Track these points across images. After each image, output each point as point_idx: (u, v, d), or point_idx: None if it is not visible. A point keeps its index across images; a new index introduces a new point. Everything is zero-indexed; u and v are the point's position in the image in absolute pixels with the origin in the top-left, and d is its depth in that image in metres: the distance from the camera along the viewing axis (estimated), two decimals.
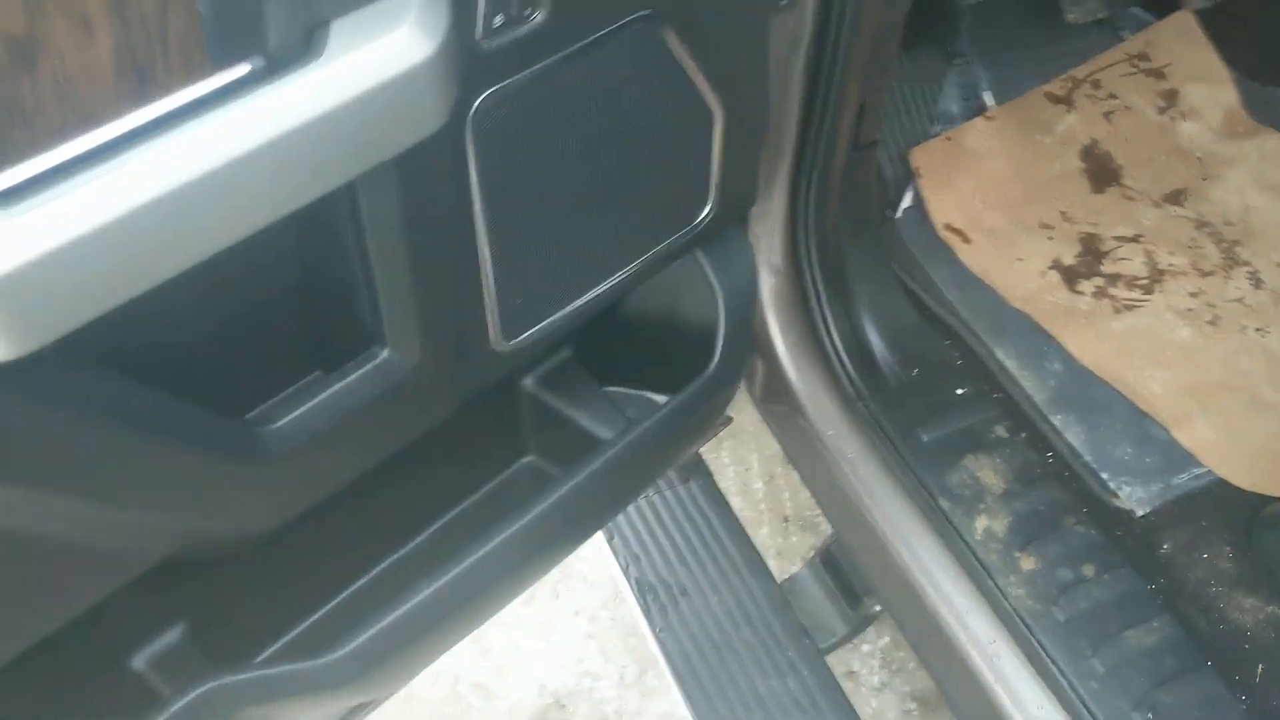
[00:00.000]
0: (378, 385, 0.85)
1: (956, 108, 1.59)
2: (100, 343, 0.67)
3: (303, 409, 0.81)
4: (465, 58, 0.76)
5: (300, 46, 0.67)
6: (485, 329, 0.92)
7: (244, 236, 0.67)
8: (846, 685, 1.94)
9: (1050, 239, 1.51)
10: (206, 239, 0.65)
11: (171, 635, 0.96)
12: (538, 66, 0.81)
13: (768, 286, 1.39)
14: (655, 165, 0.98)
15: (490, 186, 0.84)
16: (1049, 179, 1.56)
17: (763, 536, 2.13)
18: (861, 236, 1.43)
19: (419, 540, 1.14)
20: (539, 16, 0.79)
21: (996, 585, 1.22)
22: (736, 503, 2.16)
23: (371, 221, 0.76)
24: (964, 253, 1.48)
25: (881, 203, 1.53)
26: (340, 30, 0.67)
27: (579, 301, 0.99)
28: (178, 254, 0.64)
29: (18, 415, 0.62)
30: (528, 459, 1.22)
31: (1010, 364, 1.39)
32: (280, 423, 0.80)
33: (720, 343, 1.14)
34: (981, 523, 1.26)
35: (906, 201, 1.52)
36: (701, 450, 2.19)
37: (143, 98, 0.68)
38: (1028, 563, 1.23)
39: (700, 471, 1.79)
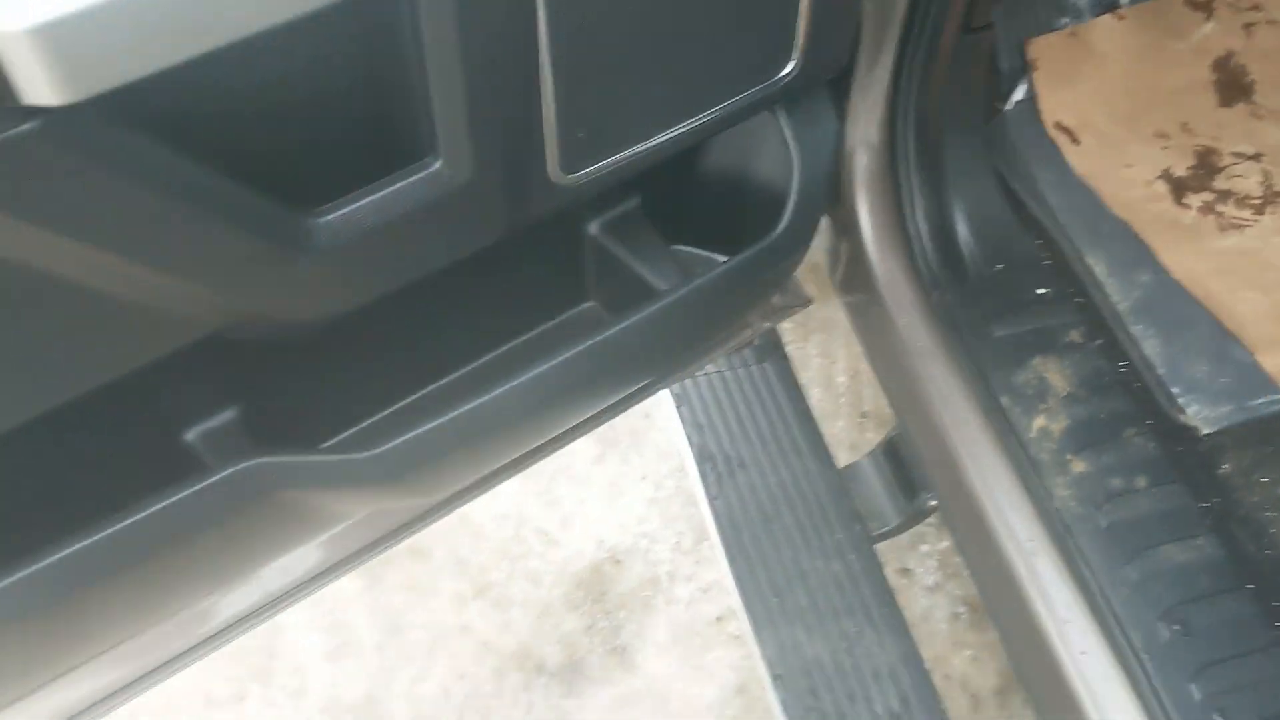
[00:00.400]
0: (428, 194, 0.87)
1: (1085, 1, 1.51)
2: (155, 115, 0.71)
3: (352, 206, 0.84)
4: None
5: None
6: (544, 158, 0.94)
7: (298, 14, 0.69)
8: (900, 582, 1.96)
9: (1164, 149, 1.44)
10: (262, 7, 0.67)
11: (224, 416, 1.02)
12: None
13: (861, 165, 1.37)
14: (735, 13, 0.97)
15: (558, 13, 0.85)
16: (1174, 88, 1.48)
17: (837, 429, 2.13)
18: (963, 124, 1.39)
19: (474, 366, 1.18)
20: None
21: (1043, 484, 1.21)
22: (816, 393, 2.17)
23: (430, 25, 0.77)
24: (1071, 154, 1.43)
25: (992, 94, 1.48)
26: None
27: (644, 145, 0.99)
28: (235, 18, 0.66)
29: (66, 163, 0.66)
30: (589, 305, 1.24)
31: (1099, 269, 1.35)
32: (328, 216, 0.84)
33: (790, 207, 1.13)
34: (1039, 422, 1.24)
35: (1019, 95, 1.47)
36: (787, 339, 2.18)
37: None
38: (1079, 466, 1.21)
39: (776, 355, 1.79)
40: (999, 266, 1.36)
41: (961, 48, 1.32)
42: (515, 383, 1.03)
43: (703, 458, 1.71)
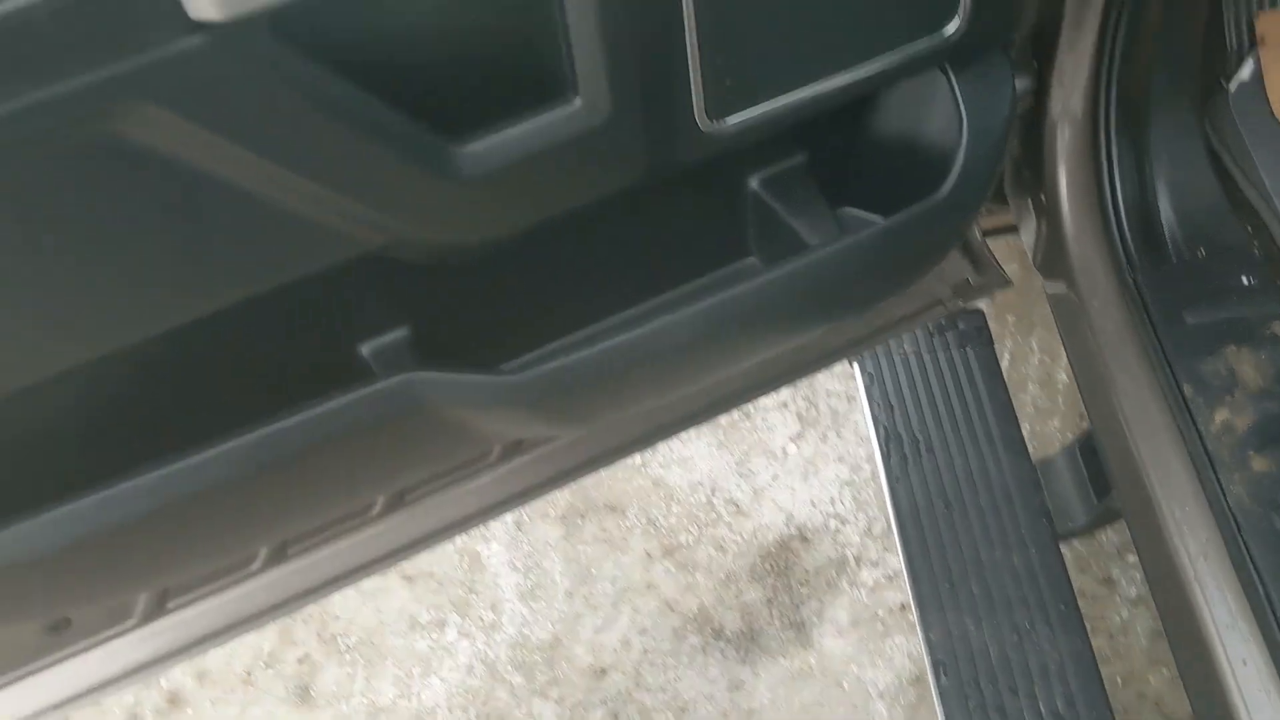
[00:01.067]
0: (567, 131, 0.92)
1: None
2: (312, 38, 0.79)
3: (495, 137, 0.91)
4: None
5: None
6: (689, 103, 0.97)
7: None
8: (1100, 591, 1.87)
9: None
10: None
11: (396, 334, 1.11)
12: None
13: (1063, 138, 1.33)
14: None
15: None
16: None
17: (1051, 428, 2.05)
18: (1175, 99, 1.32)
19: (636, 310, 1.23)
20: None
21: (1219, 481, 1.13)
22: (1033, 390, 2.09)
23: None
24: None
25: (1216, 70, 1.39)
26: None
27: (795, 96, 1.01)
28: None
29: (230, 75, 0.76)
30: (750, 259, 1.26)
31: None
32: (473, 145, 0.91)
33: (956, 169, 1.11)
34: (1221, 415, 1.17)
35: (1245, 74, 1.37)
36: (1006, 331, 2.12)
37: None
38: (1260, 464, 1.13)
39: (980, 340, 1.74)
40: (1201, 251, 1.28)
41: (1173, 16, 1.25)
42: (660, 322, 1.07)
43: (888, 437, 1.69)
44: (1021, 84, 1.30)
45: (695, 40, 0.93)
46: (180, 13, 0.72)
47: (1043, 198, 1.39)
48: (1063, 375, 2.10)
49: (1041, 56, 1.30)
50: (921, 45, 1.04)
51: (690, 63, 0.95)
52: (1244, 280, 1.26)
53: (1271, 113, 1.35)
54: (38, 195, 0.79)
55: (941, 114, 1.14)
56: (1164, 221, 1.31)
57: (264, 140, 0.82)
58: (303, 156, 0.84)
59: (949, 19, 1.04)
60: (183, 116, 0.77)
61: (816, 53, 1.00)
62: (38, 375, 0.91)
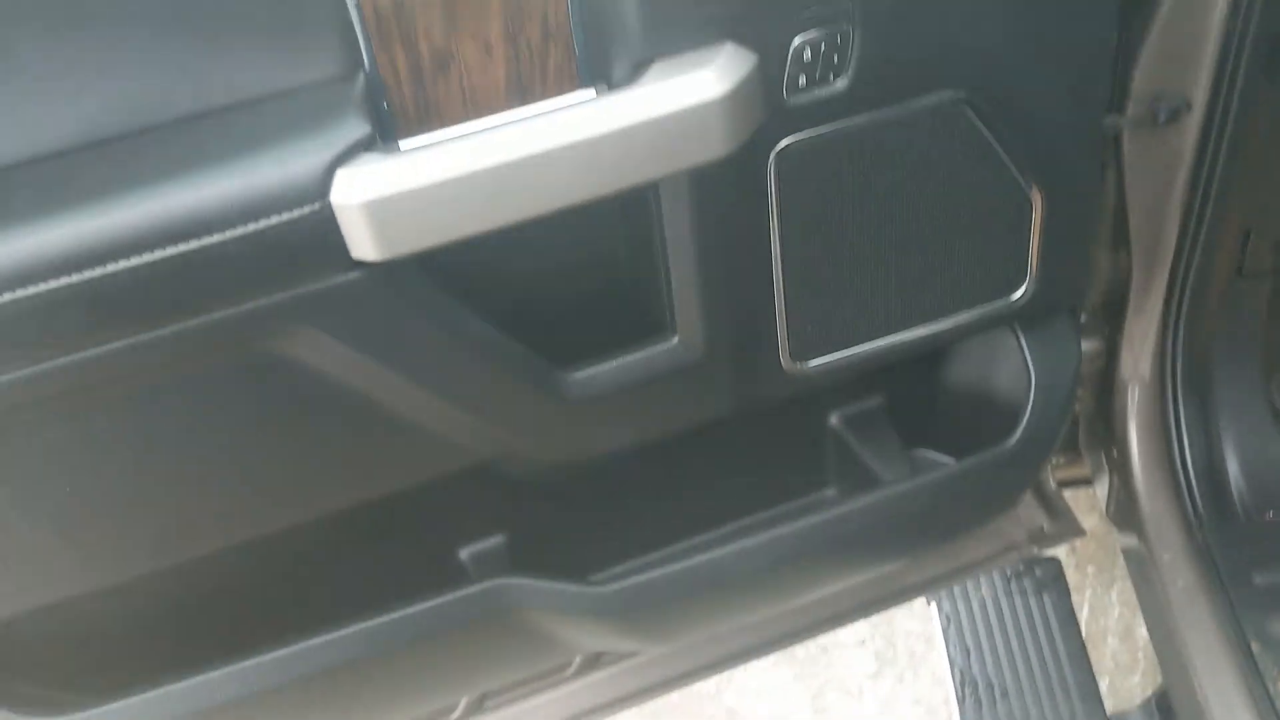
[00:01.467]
0: (664, 366, 1.03)
1: None
2: (451, 275, 0.93)
3: (598, 368, 1.02)
4: (771, 107, 0.93)
5: (630, 76, 0.89)
6: (775, 346, 1.08)
7: (570, 204, 0.89)
8: None
9: None
10: (541, 199, 0.88)
11: (493, 541, 1.21)
12: (838, 124, 0.97)
13: (1133, 399, 1.40)
14: (962, 235, 1.08)
15: (789, 217, 1.01)
16: None
17: (1131, 685, 2.03)
18: (1241, 367, 1.39)
19: (717, 533, 1.31)
20: (841, 83, 0.94)
21: None
22: (1113, 643, 2.08)
23: (670, 222, 0.96)
24: None
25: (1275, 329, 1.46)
26: (660, 68, 0.88)
27: (872, 344, 1.11)
28: (520, 205, 0.87)
29: (380, 305, 0.89)
30: (829, 492, 1.34)
31: None
32: (579, 373, 1.02)
33: (1023, 424, 1.20)
34: None
35: None
36: (1085, 582, 2.13)
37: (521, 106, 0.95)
38: None
39: (1057, 588, 1.77)
40: (1270, 513, 1.32)
41: (1236, 291, 1.34)
42: (740, 545, 1.15)
43: (964, 681, 1.70)
44: (1091, 345, 1.39)
45: (783, 291, 1.05)
46: (344, 253, 0.85)
47: (1115, 453, 1.45)
48: (1142, 631, 2.08)
49: (1111, 321, 1.39)
50: (992, 307, 1.14)
51: (778, 311, 1.06)
52: None
53: None
54: (194, 399, 0.91)
55: (1011, 369, 1.23)
56: (1232, 482, 1.36)
57: (402, 360, 0.94)
58: (434, 375, 0.96)
59: (1018, 286, 1.14)
60: (336, 339, 0.90)
61: (893, 308, 1.11)
62: (176, 558, 1.02)
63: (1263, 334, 1.41)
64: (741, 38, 0.89)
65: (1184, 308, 1.33)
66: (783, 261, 1.03)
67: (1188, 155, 1.21)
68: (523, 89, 0.94)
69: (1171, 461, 1.38)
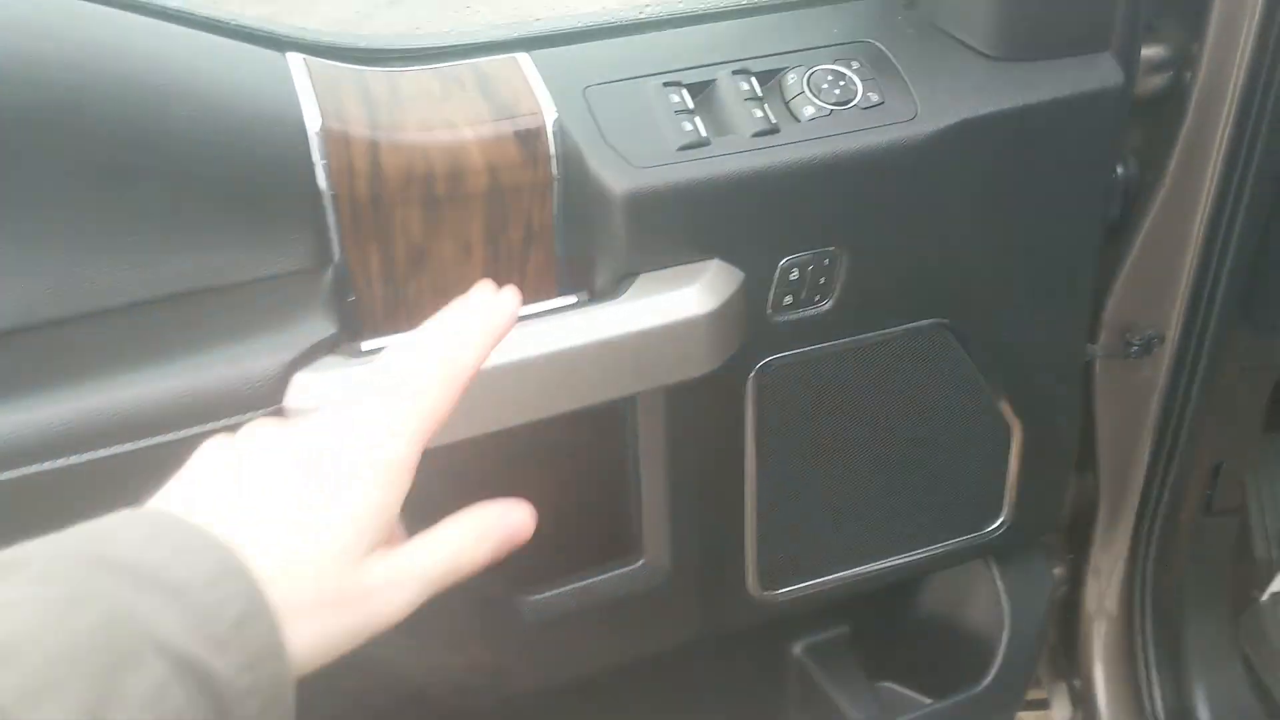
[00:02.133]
0: (629, 588, 0.96)
1: None
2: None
3: (558, 590, 0.95)
4: (754, 325, 0.90)
5: (614, 287, 0.85)
6: (743, 572, 1.02)
7: (542, 417, 0.83)
8: None
9: None
10: (511, 411, 0.82)
11: None
12: (820, 345, 0.93)
13: (1099, 634, 1.35)
14: (941, 463, 1.05)
15: (765, 437, 0.96)
16: None
17: None
18: (1210, 609, 1.35)
19: None
20: (826, 305, 0.92)
21: None
22: None
23: (644, 437, 0.90)
24: None
25: (1247, 581, 1.43)
26: (645, 281, 0.85)
27: (843, 574, 1.06)
28: (488, 417, 0.81)
29: None
30: None
31: None
32: (537, 596, 0.95)
33: (998, 662, 1.14)
34: None
35: (1276, 586, 1.41)
36: None
37: None
38: None
39: None
40: None
41: (1205, 528, 1.31)
42: None
43: None
44: (1057, 572, 1.35)
45: (755, 513, 0.99)
46: None
47: (1078, 686, 1.39)
48: None
49: (1077, 549, 1.35)
50: (967, 539, 1.10)
51: (747, 537, 1.00)
52: None
53: None
54: None
55: (983, 602, 1.18)
56: None
57: None
58: None
59: (994, 517, 1.10)
60: None
61: (864, 538, 1.06)
62: None
63: (1231, 575, 1.38)
64: (729, 255, 0.86)
65: (1153, 543, 1.29)
66: (757, 482, 0.98)
67: (1159, 386, 1.20)
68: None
69: (1140, 704, 1.32)
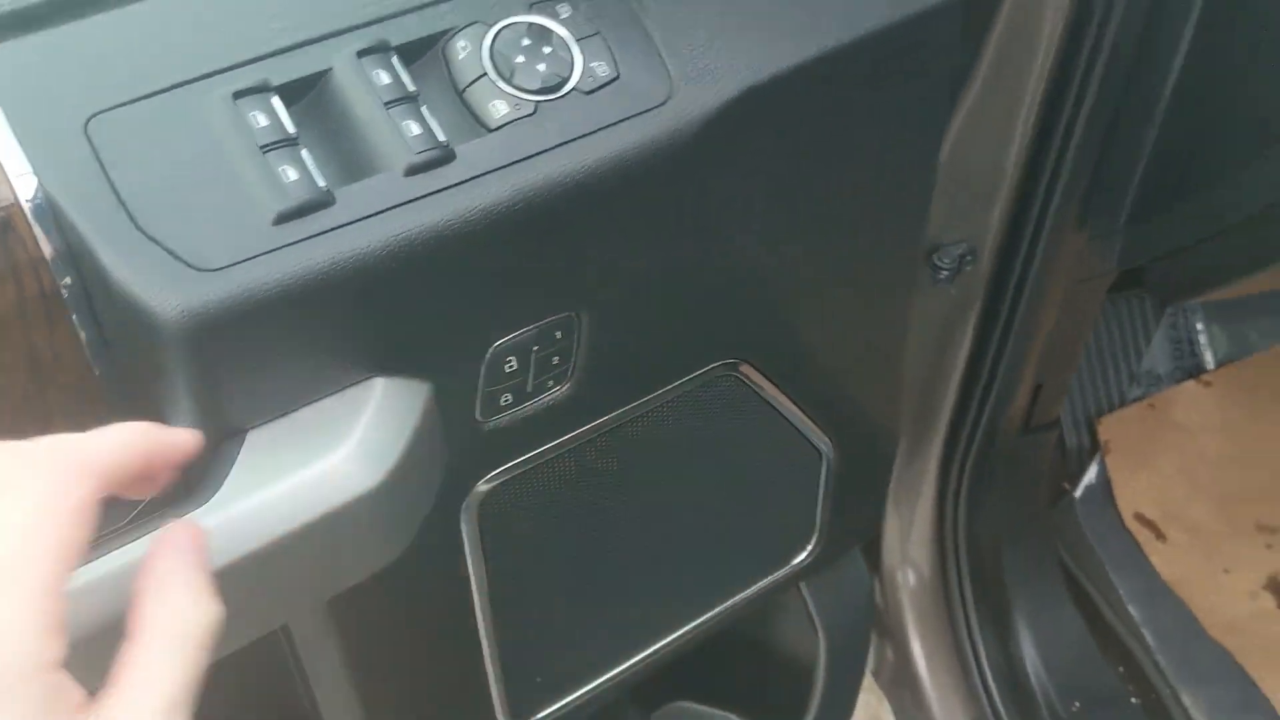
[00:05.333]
0: None
1: (1164, 368, 1.31)
2: None
3: None
4: (458, 442, 0.57)
5: (203, 470, 0.49)
6: (489, 703, 0.73)
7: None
8: None
9: (1269, 546, 1.21)
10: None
11: None
12: (562, 439, 0.62)
13: (907, 592, 1.15)
14: (740, 510, 0.78)
15: (497, 570, 0.65)
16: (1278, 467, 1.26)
17: None
18: (1026, 534, 1.18)
19: None
20: (562, 389, 0.59)
21: None
22: None
23: (308, 659, 0.58)
24: (1156, 554, 1.20)
25: (1058, 478, 1.26)
26: (256, 447, 0.49)
27: (619, 669, 0.79)
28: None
29: None
30: None
31: (1199, 716, 1.11)
32: None
33: (818, 693, 0.92)
34: None
35: (1090, 478, 1.25)
36: None
37: None
38: None
39: None
40: (1075, 705, 1.12)
41: (1018, 450, 1.11)
42: None
43: None
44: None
45: (496, 657, 0.70)
46: None
47: (890, 655, 1.20)
48: None
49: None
50: (772, 579, 0.84)
51: (490, 677, 0.71)
52: None
53: (1123, 523, 1.23)
54: None
55: (796, 624, 0.95)
56: (1032, 674, 1.15)
57: None
58: None
59: (804, 545, 0.85)
60: None
61: (636, 630, 0.79)
62: None
63: (1050, 482, 1.20)
64: (401, 363, 0.52)
65: (964, 479, 1.09)
66: (494, 622, 0.67)
67: (975, 308, 0.95)
68: None
69: (965, 662, 1.15)
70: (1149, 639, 1.15)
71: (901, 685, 1.14)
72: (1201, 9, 0.76)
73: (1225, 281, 1.09)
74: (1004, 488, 1.12)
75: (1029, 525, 1.16)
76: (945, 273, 0.90)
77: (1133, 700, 1.14)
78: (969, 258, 0.91)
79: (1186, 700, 1.12)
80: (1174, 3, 0.76)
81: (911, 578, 1.12)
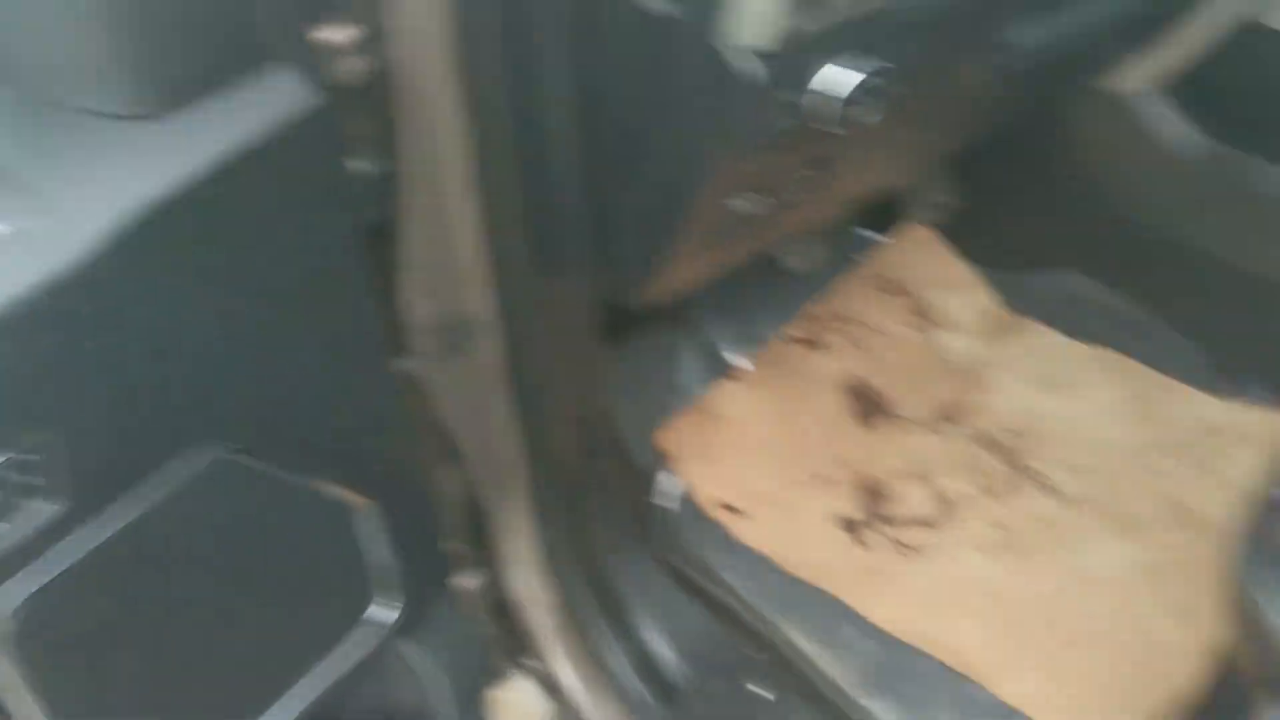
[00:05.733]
0: None
1: (696, 376, 1.50)
2: None
3: None
4: None
5: None
6: None
7: None
8: None
9: (828, 491, 1.40)
10: None
11: None
12: (68, 563, 0.68)
13: (539, 621, 1.26)
14: (285, 587, 0.85)
15: (55, 699, 0.70)
16: (814, 426, 1.47)
17: None
18: (629, 548, 1.32)
19: None
20: (51, 508, 0.66)
21: None
22: None
23: None
24: (742, 530, 1.36)
25: (640, 494, 1.41)
26: None
27: None
28: None
29: None
30: None
31: (807, 647, 1.26)
32: None
33: None
34: None
35: (668, 487, 1.41)
36: None
37: None
38: None
39: None
40: (704, 672, 1.26)
41: (599, 474, 1.26)
42: None
43: None
44: (469, 580, 1.22)
45: None
46: None
47: (537, 666, 1.30)
48: None
49: (475, 543, 1.23)
50: (341, 650, 0.92)
51: None
52: (749, 687, 1.25)
53: (709, 515, 1.38)
54: None
55: (404, 684, 1.02)
56: (659, 657, 1.28)
57: None
58: None
59: (362, 606, 0.93)
60: None
61: None
62: None
63: (632, 499, 1.35)
64: None
65: (560, 513, 1.21)
66: None
67: (496, 366, 1.09)
68: None
69: (607, 667, 1.26)
70: (748, 597, 1.30)
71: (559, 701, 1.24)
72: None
73: None
74: (597, 512, 1.25)
75: (631, 541, 1.30)
76: (453, 343, 1.04)
77: (754, 656, 1.28)
78: (463, 327, 1.05)
79: (792, 635, 1.26)
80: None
81: (543, 614, 1.22)
